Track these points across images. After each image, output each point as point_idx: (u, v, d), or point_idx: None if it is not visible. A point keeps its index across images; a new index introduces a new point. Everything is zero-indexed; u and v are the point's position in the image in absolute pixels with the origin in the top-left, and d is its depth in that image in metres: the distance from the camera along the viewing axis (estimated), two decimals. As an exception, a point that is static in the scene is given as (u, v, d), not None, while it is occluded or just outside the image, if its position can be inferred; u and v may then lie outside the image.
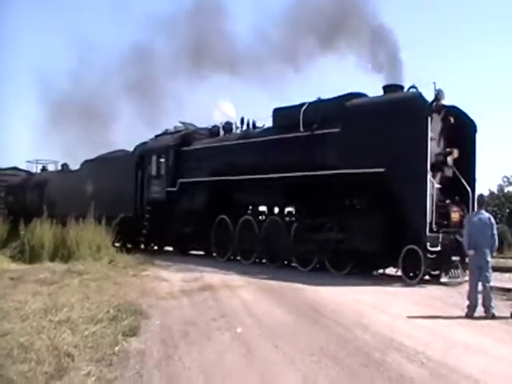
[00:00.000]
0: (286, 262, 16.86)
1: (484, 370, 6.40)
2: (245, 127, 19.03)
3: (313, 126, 15.76)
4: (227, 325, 8.79)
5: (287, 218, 17.03)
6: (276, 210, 17.66)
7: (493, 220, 10.11)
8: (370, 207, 14.37)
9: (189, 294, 11.81)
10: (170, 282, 13.53)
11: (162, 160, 20.87)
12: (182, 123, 21.71)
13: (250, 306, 10.38)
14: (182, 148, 20.48)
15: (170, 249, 21.79)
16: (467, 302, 9.68)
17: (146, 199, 21.59)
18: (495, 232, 9.93)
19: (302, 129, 16.12)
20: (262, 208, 18.19)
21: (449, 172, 14.28)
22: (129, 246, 22.09)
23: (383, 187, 13.70)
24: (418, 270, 13.09)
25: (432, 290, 12.42)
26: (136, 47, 29.44)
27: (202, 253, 20.65)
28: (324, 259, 15.30)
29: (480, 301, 9.70)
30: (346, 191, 14.89)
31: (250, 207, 18.45)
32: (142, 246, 22.39)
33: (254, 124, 18.72)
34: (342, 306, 10.15)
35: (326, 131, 15.38)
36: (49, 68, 67.52)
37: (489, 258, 9.82)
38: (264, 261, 17.50)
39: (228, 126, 19.74)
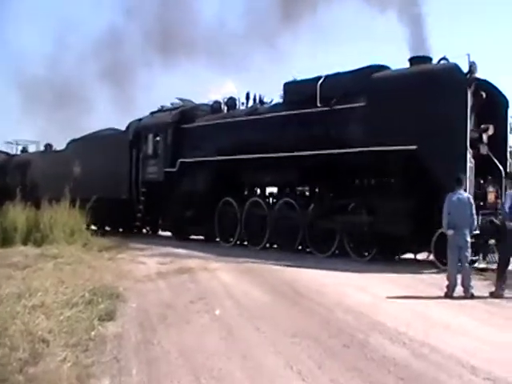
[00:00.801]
0: (300, 248, 15.74)
1: (465, 349, 6.39)
2: (250, 103, 17.78)
3: (332, 101, 14.64)
4: (206, 307, 8.64)
5: (302, 200, 15.89)
6: (287, 191, 16.49)
7: (472, 200, 10.00)
8: (399, 187, 13.30)
9: (166, 276, 11.60)
10: (147, 265, 13.21)
11: (160, 138, 19.51)
12: (180, 99, 20.34)
13: (230, 288, 10.23)
14: (181, 125, 19.10)
15: (168, 234, 20.46)
16: (446, 282, 9.61)
17: (141, 180, 20.22)
18: (474, 212, 9.84)
19: (319, 104, 15.00)
20: (272, 189, 17.01)
21: (483, 150, 13.26)
22: (120, 230, 20.79)
23: (415, 166, 12.71)
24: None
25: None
26: (110, 31, 28.21)
27: (201, 238, 19.41)
28: (346, 244, 14.25)
29: (459, 280, 9.66)
30: (373, 170, 13.85)
31: (258, 188, 17.31)
32: (136, 231, 21.06)
33: (261, 100, 17.48)
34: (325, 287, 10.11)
35: (348, 106, 14.30)
36: (23, 50, 64.93)
37: (468, 238, 9.75)
38: (275, 246, 16.39)
39: (232, 102, 18.46)
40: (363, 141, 13.55)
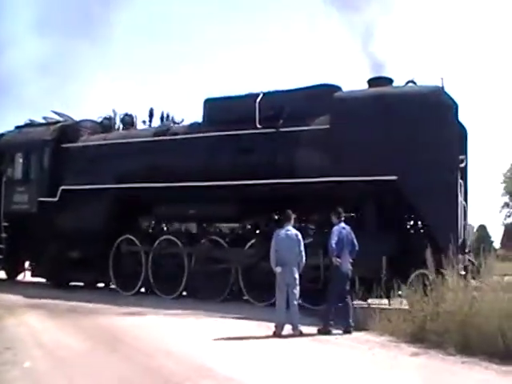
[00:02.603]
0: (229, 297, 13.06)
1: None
2: (154, 122, 14.87)
3: (278, 122, 12.44)
4: (15, 358, 7.45)
5: (235, 238, 13.31)
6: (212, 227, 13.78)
7: (300, 236, 9.63)
8: (369, 223, 11.52)
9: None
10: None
11: (32, 159, 15.54)
12: (56, 113, 16.50)
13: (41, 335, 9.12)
14: (62, 144, 15.40)
15: (40, 280, 16.20)
16: (275, 321, 9.33)
17: (2, 212, 15.94)
18: (302, 249, 9.56)
19: (258, 124, 12.70)
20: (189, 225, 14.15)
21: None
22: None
23: (392, 198, 11.19)
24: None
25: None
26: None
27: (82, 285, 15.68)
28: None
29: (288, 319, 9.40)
30: (336, 203, 11.86)
31: (173, 223, 14.33)
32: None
33: (172, 118, 14.62)
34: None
35: (302, 128, 12.20)
36: None
37: (296, 275, 9.43)
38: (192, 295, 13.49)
39: (129, 119, 15.32)
40: (324, 169, 11.55)
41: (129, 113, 15.40)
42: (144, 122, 15.00)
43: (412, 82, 12.11)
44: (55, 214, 14.92)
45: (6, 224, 15.76)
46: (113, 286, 14.80)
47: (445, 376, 6.70)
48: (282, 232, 9.64)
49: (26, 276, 16.53)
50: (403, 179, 10.88)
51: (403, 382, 6.54)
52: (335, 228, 9.79)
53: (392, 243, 11.24)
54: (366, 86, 12.53)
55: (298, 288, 9.45)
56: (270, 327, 9.29)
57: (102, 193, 14.27)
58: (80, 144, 15.30)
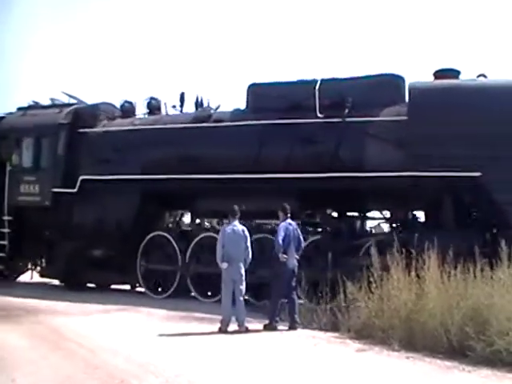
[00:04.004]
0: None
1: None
2: (189, 107, 13.47)
3: (342, 111, 11.45)
4: None
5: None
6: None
7: (247, 232, 9.65)
8: (447, 220, 10.76)
9: None
10: None
11: (44, 145, 13.73)
12: (68, 95, 14.68)
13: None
14: (78, 129, 13.70)
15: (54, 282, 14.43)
16: (220, 317, 9.31)
17: (6, 204, 14.00)
18: (249, 244, 9.60)
19: (318, 113, 11.64)
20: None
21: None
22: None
23: (472, 195, 10.62)
24: None
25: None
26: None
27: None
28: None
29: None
30: (411, 200, 11.02)
31: (208, 220, 13.03)
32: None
33: (208, 104, 13.27)
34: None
35: (376, 119, 11.27)
36: None
37: (242, 271, 9.47)
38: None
39: (155, 104, 13.81)
40: (399, 163, 10.67)
41: (155, 97, 13.88)
42: (174, 106, 13.57)
43: (483, 75, 11.48)
44: (73, 208, 13.32)
45: (9, 218, 13.90)
46: (140, 289, 13.36)
47: (389, 371, 6.77)
48: (229, 228, 9.62)
49: (34, 277, 14.73)
50: (487, 176, 10.20)
51: (348, 377, 6.57)
52: (282, 224, 9.73)
53: (472, 242, 10.54)
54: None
55: (244, 284, 9.47)
56: (214, 323, 9.33)
57: (131, 184, 12.76)
58: (100, 129, 13.68)
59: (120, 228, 12.86)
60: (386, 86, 11.66)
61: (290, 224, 9.75)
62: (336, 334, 8.78)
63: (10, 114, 14.98)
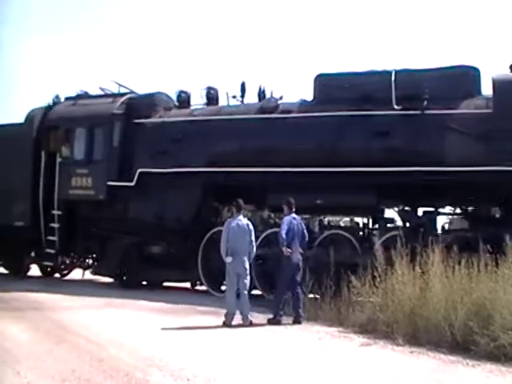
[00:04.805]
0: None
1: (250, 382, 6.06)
2: (251, 98, 12.98)
3: (420, 103, 11.06)
4: None
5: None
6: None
7: (251, 226, 9.60)
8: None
9: None
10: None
11: (99, 136, 13.09)
12: (119, 84, 14.08)
13: None
14: (133, 120, 13.10)
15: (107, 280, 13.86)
16: (225, 311, 9.29)
17: (57, 198, 13.37)
18: (253, 238, 9.60)
19: (395, 105, 11.27)
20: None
21: None
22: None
23: None
24: None
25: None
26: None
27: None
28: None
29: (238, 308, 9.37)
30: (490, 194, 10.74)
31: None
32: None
33: (271, 94, 12.77)
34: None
35: (458, 111, 10.87)
36: None
37: (247, 265, 9.41)
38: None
39: (214, 94, 13.28)
40: (483, 157, 10.33)
41: (212, 87, 13.36)
42: (234, 97, 13.04)
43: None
44: (129, 202, 12.73)
45: (59, 213, 13.27)
46: (200, 287, 12.82)
47: (394, 365, 6.74)
48: (234, 222, 9.55)
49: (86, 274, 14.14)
50: None
51: (353, 371, 6.51)
52: (285, 218, 9.72)
53: None
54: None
55: (248, 278, 9.47)
56: (219, 316, 9.30)
57: (193, 177, 12.21)
58: (158, 120, 13.07)
59: (180, 223, 12.31)
60: (463, 78, 11.25)
61: (294, 218, 9.70)
62: (340, 329, 8.81)
63: (57, 103, 14.35)
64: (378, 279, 8.51)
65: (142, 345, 7.50)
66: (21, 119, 14.16)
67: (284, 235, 9.37)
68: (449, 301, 7.62)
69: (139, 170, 12.64)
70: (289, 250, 9.34)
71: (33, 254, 14.26)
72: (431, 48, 47.44)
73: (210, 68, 50.49)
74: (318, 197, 11.44)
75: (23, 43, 50.46)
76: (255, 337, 8.42)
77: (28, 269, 14.63)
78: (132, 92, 14.08)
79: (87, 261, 14.10)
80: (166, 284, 13.63)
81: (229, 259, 9.32)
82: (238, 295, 9.33)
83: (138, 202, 12.65)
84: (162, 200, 12.45)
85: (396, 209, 12.14)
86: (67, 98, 14.44)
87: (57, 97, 15.14)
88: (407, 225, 11.62)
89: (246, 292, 9.40)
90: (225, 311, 9.24)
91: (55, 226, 13.26)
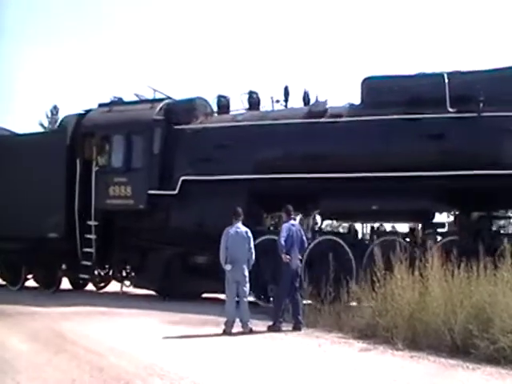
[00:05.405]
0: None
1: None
2: (295, 103, 12.67)
3: (475, 105, 10.82)
4: None
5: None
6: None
7: (250, 234, 9.61)
8: None
9: None
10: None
11: (137, 143, 12.64)
12: (154, 90, 13.65)
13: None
14: (173, 126, 12.69)
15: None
16: (224, 318, 9.31)
17: (93, 208, 12.90)
18: (252, 246, 9.60)
19: (449, 108, 11.02)
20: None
21: None
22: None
23: None
24: None
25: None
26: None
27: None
28: None
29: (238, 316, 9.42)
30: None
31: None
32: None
33: (316, 98, 12.45)
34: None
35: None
36: None
37: (246, 273, 9.47)
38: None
39: (256, 98, 12.93)
40: None
41: (253, 91, 13.02)
42: (278, 101, 12.71)
43: None
44: (172, 211, 12.29)
45: (95, 223, 12.79)
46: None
47: (394, 370, 6.77)
48: (232, 229, 9.57)
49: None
50: None
51: (353, 377, 6.56)
52: (284, 225, 9.75)
53: None
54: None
55: (247, 285, 9.50)
56: (218, 324, 9.32)
57: (238, 185, 11.84)
58: (200, 125, 12.69)
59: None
60: None
61: (292, 225, 9.77)
62: (340, 334, 8.87)
63: (91, 110, 13.88)
64: (377, 284, 8.57)
65: (142, 353, 7.56)
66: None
67: (283, 242, 9.44)
68: (448, 305, 7.67)
69: (182, 178, 12.23)
70: (288, 257, 9.39)
71: (64, 266, 13.77)
72: (479, 50, 47.86)
73: (224, 73, 50.58)
74: (373, 202, 11.20)
75: (22, 53, 49.99)
76: (255, 344, 8.52)
77: (60, 282, 14.11)
78: (168, 97, 13.65)
79: (122, 273, 13.61)
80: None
81: (228, 267, 9.39)
82: (238, 303, 9.38)
83: (180, 210, 12.22)
84: (206, 208, 12.03)
85: (451, 213, 11.90)
86: (100, 105, 13.95)
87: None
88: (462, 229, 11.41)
89: (245, 299, 9.48)
90: (224, 319, 9.26)
91: (92, 237, 12.77)
